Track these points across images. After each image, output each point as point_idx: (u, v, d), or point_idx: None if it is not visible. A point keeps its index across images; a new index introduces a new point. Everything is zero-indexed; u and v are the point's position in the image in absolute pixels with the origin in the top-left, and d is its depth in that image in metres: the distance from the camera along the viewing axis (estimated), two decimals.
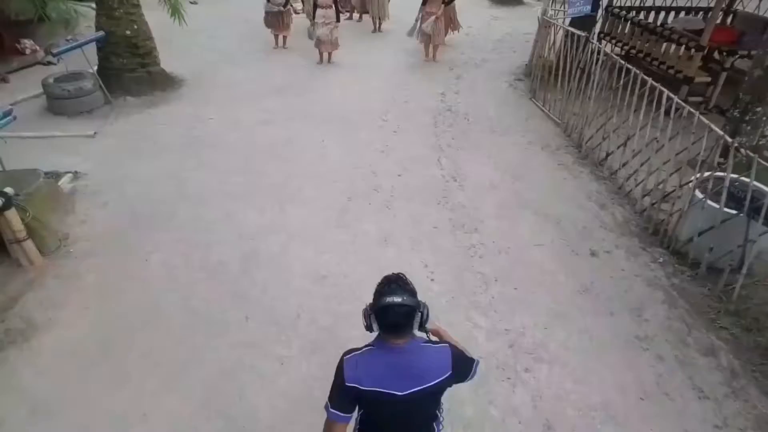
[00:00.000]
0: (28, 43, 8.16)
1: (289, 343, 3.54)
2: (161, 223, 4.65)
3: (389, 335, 1.85)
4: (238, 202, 5.00)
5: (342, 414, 1.87)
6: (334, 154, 5.98)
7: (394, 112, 7.11)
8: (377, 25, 10.81)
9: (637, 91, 5.20)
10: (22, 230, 3.93)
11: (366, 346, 1.93)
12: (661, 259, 4.44)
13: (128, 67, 7.19)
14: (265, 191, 5.20)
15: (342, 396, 1.87)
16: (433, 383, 1.87)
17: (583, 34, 6.30)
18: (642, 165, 5.09)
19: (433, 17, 8.55)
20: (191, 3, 12.30)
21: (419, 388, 1.85)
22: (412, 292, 1.86)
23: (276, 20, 9.18)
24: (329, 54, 8.87)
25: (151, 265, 4.18)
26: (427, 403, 1.98)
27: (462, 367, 1.97)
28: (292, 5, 9.37)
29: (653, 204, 4.84)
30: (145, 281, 4.01)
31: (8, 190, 3.85)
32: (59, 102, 6.57)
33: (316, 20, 8.40)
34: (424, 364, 1.88)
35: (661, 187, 4.74)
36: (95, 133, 6.16)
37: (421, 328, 1.92)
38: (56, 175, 5.16)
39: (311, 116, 6.90)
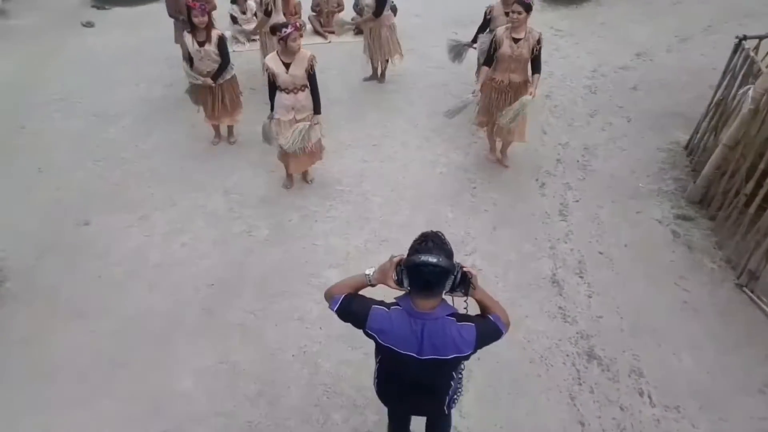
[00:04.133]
0: None
1: None
2: None
3: (418, 294, 1.81)
4: None
5: (340, 307, 1.90)
6: None
7: (477, 381, 3.09)
8: (379, 71, 6.34)
9: None
10: None
11: (393, 304, 1.89)
12: None
13: None
14: None
15: (357, 318, 1.89)
16: (451, 356, 1.85)
17: None
18: None
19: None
20: (84, 26, 7.89)
21: (437, 357, 1.84)
22: (449, 253, 1.80)
23: (205, 97, 4.84)
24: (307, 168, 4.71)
25: None
26: (446, 368, 1.95)
27: (487, 340, 1.89)
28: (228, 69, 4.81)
29: None
30: None
31: None
32: None
33: (275, 115, 4.22)
34: (446, 339, 1.82)
35: None
36: None
37: (452, 291, 1.84)
38: None
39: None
